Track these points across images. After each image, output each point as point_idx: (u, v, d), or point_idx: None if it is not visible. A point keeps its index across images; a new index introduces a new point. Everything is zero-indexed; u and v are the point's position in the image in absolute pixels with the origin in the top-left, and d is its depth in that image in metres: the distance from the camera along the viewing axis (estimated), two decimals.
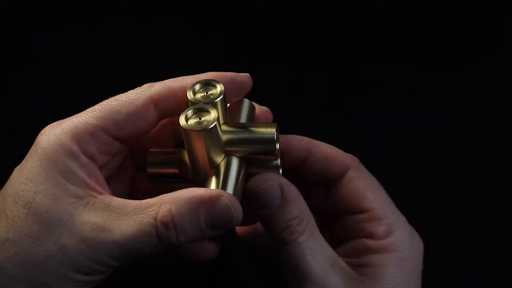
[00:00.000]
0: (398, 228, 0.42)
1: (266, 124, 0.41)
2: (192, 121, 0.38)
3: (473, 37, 0.64)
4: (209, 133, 0.38)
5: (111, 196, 0.38)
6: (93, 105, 0.40)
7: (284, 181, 0.41)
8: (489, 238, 0.53)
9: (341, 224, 0.44)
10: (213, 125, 0.37)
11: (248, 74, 0.42)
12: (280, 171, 0.42)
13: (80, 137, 0.38)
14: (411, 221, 0.44)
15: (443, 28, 0.65)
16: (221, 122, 0.40)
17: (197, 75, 0.41)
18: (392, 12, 0.66)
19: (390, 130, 0.59)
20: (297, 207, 0.41)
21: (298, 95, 0.62)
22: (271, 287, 0.51)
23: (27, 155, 0.39)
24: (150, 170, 0.43)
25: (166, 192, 0.38)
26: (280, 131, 0.42)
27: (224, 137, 0.40)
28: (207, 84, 0.40)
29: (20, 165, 0.39)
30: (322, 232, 0.42)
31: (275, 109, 0.45)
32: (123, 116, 0.39)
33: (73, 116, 0.40)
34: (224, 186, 0.39)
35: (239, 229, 0.49)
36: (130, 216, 0.37)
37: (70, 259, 0.36)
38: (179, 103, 0.40)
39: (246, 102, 0.43)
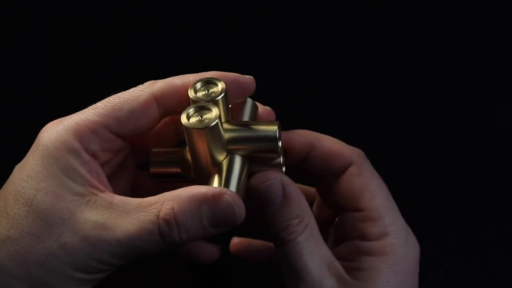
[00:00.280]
0: (393, 230, 0.41)
1: (268, 122, 0.41)
2: (193, 119, 0.38)
3: (473, 37, 0.64)
4: (211, 131, 0.38)
5: (112, 194, 0.38)
6: (94, 103, 0.40)
7: (286, 180, 0.41)
8: (489, 238, 0.53)
9: (341, 222, 0.44)
10: (214, 122, 0.37)
11: (252, 77, 0.42)
12: (283, 169, 0.42)
13: (82, 134, 0.38)
14: (411, 221, 0.43)
15: (443, 28, 0.65)
16: (222, 120, 0.40)
17: (199, 73, 0.41)
18: (392, 12, 0.66)
19: (390, 130, 0.59)
20: (298, 207, 0.41)
21: (298, 95, 0.62)
22: (270, 287, 0.51)
23: (28, 152, 0.39)
24: (152, 169, 0.43)
25: (168, 190, 0.38)
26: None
27: (226, 135, 0.40)
28: (208, 83, 0.40)
29: (21, 162, 0.39)
30: (323, 231, 0.42)
31: (275, 109, 0.45)
32: (125, 113, 0.39)
33: (75, 113, 0.40)
34: (227, 184, 0.39)
35: (232, 247, 0.49)
36: (132, 214, 0.37)
37: (72, 258, 0.36)
38: (181, 101, 0.40)
39: (249, 101, 0.43)
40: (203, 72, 0.41)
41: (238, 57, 0.64)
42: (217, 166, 0.40)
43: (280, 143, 0.40)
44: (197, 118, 0.38)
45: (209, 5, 0.67)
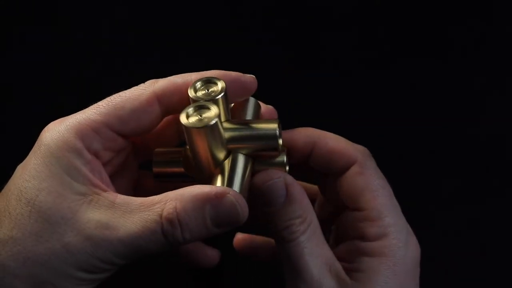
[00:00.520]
0: (393, 231, 0.41)
1: (268, 120, 0.41)
2: (193, 119, 0.38)
3: (475, 39, 0.64)
4: (210, 129, 0.38)
5: (115, 194, 0.38)
6: (96, 103, 0.40)
7: (290, 179, 0.41)
8: (489, 238, 0.53)
9: (341, 221, 0.44)
10: (214, 121, 0.37)
11: (254, 76, 0.42)
12: (287, 168, 0.42)
13: (84, 134, 0.38)
14: (411, 221, 0.43)
15: (443, 29, 0.65)
16: (222, 119, 0.40)
17: (201, 72, 0.41)
18: (393, 10, 0.66)
19: (390, 130, 0.59)
20: (301, 207, 0.41)
21: (298, 95, 0.62)
22: (272, 285, 0.51)
23: (30, 152, 0.39)
24: (155, 169, 0.43)
25: (170, 190, 0.38)
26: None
27: (226, 134, 0.40)
28: (208, 82, 0.40)
29: (23, 162, 0.39)
30: (327, 229, 0.42)
31: (276, 107, 0.45)
32: (127, 112, 0.39)
33: (77, 112, 0.40)
34: (230, 183, 0.39)
35: (236, 243, 0.49)
36: (135, 214, 0.37)
37: (74, 257, 0.36)
38: (183, 99, 0.40)
39: (252, 100, 0.43)
40: (205, 71, 0.41)
41: (238, 57, 0.64)
42: (220, 165, 0.40)
43: (280, 141, 0.40)
44: (197, 118, 0.38)
45: (209, 6, 0.67)
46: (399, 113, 0.60)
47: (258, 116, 0.43)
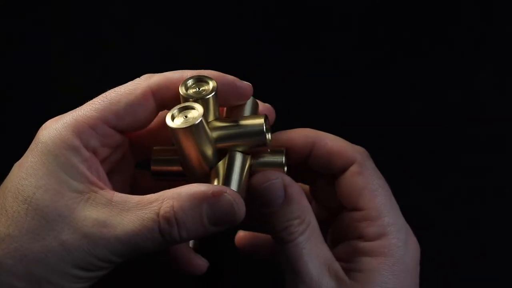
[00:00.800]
0: (393, 230, 0.41)
1: (255, 116, 0.41)
2: (178, 120, 0.38)
3: (476, 40, 0.64)
4: (195, 129, 0.38)
5: (112, 191, 0.38)
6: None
7: (288, 180, 0.41)
8: (489, 238, 0.53)
9: (340, 221, 0.44)
10: (198, 120, 0.37)
11: (250, 84, 0.42)
12: (285, 168, 0.42)
13: (81, 131, 0.38)
14: (411, 221, 0.43)
15: (443, 29, 0.65)
16: (212, 119, 0.40)
17: (197, 70, 0.41)
18: (393, 10, 0.66)
19: (390, 130, 0.59)
20: (299, 207, 0.41)
21: (298, 95, 0.62)
22: (272, 283, 0.51)
23: (27, 150, 0.39)
24: (154, 168, 0.43)
25: (167, 189, 0.38)
26: (280, 130, 0.42)
27: (215, 133, 0.40)
28: (200, 80, 0.40)
29: (20, 160, 0.39)
30: (326, 229, 0.42)
31: (274, 109, 0.45)
32: (123, 106, 0.39)
33: (74, 110, 0.40)
34: (227, 182, 0.39)
35: (237, 241, 0.49)
36: (132, 212, 0.37)
37: (71, 255, 0.36)
38: (178, 94, 0.40)
39: (250, 99, 0.43)
40: (201, 70, 0.41)
41: (238, 57, 0.64)
42: (213, 164, 0.40)
43: (268, 136, 0.40)
44: (182, 119, 0.38)
45: (209, 7, 0.67)
46: (399, 113, 0.60)
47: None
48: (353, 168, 0.42)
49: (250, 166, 0.41)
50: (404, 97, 0.61)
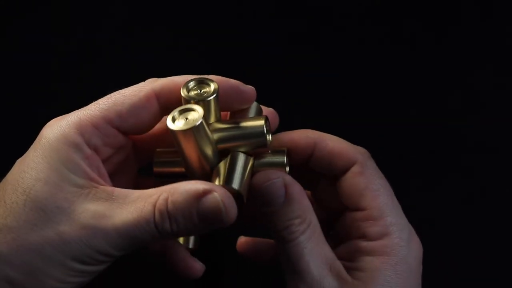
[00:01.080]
0: (395, 230, 0.41)
1: (255, 118, 0.41)
2: (179, 122, 0.38)
3: (475, 40, 0.64)
4: (196, 130, 0.38)
5: (113, 187, 0.38)
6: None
7: (289, 179, 0.41)
8: (490, 238, 0.53)
9: (342, 221, 0.44)
10: (199, 122, 0.37)
11: (253, 87, 0.42)
12: (287, 169, 0.42)
13: (84, 129, 0.39)
14: (411, 221, 0.43)
15: (443, 29, 0.65)
16: (213, 120, 0.41)
17: (201, 75, 0.41)
18: (393, 10, 0.66)
19: (390, 130, 0.59)
20: (300, 207, 0.41)
21: (298, 95, 0.62)
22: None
23: (31, 146, 0.39)
24: (156, 169, 0.43)
25: None
26: (280, 131, 0.42)
27: (216, 135, 0.40)
28: (201, 82, 0.40)
29: (22, 156, 0.39)
30: (327, 229, 0.42)
31: (275, 109, 0.45)
32: (126, 107, 0.40)
33: (78, 109, 0.40)
34: (229, 181, 0.39)
35: (239, 246, 0.49)
36: (132, 205, 0.37)
37: (69, 246, 0.36)
38: (181, 97, 0.40)
39: (253, 104, 0.43)
40: (206, 75, 0.41)
41: (239, 57, 0.64)
42: (215, 165, 0.40)
43: (269, 137, 0.41)
44: (183, 121, 0.38)
45: (209, 8, 0.67)
46: (399, 113, 0.60)
47: None
48: (354, 169, 0.42)
49: (252, 166, 0.41)
50: (404, 97, 0.61)
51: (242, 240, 0.49)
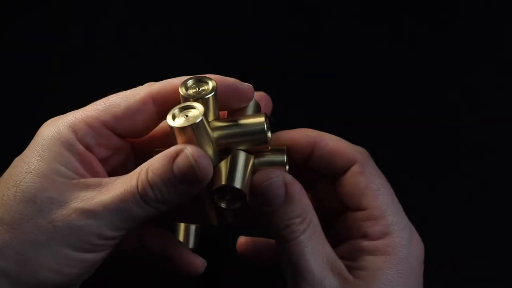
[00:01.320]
0: (396, 229, 0.41)
1: (255, 115, 0.41)
2: (179, 119, 0.38)
3: (475, 39, 0.64)
4: (196, 127, 0.38)
5: (102, 178, 0.39)
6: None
7: (289, 178, 0.41)
8: (490, 238, 0.53)
9: (343, 221, 0.44)
10: (199, 119, 0.37)
11: (251, 85, 0.42)
12: (287, 167, 0.42)
13: (78, 127, 0.39)
14: (411, 221, 0.43)
15: (443, 29, 0.65)
16: (212, 118, 0.41)
17: (198, 75, 0.41)
18: (393, 10, 0.66)
19: (390, 130, 0.59)
20: (301, 206, 0.40)
21: (298, 95, 0.62)
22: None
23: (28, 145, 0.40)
24: None
25: None
26: (280, 131, 0.42)
27: (216, 133, 0.40)
28: (200, 81, 0.40)
29: (20, 155, 0.40)
30: (328, 229, 0.42)
31: (275, 109, 0.45)
32: (121, 110, 0.40)
33: (76, 110, 0.41)
34: (231, 179, 0.39)
35: (239, 246, 0.49)
36: (119, 183, 0.38)
37: (61, 233, 0.36)
38: (179, 100, 0.40)
39: (252, 101, 0.43)
40: (203, 75, 0.41)
41: (238, 57, 0.64)
42: (216, 163, 0.40)
43: (269, 134, 0.40)
44: (183, 118, 0.38)
45: (208, 8, 0.67)
46: (399, 113, 0.60)
47: None
48: (354, 168, 0.42)
49: (253, 164, 0.41)
50: (404, 97, 0.61)
51: (242, 240, 0.49)
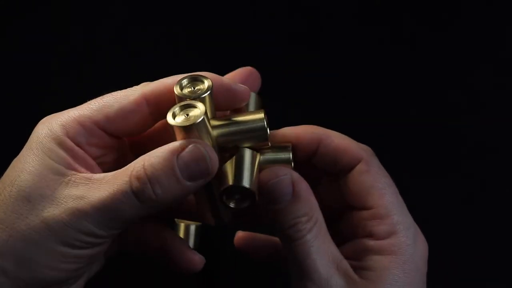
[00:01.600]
0: (402, 229, 0.41)
1: (254, 112, 0.40)
2: (179, 118, 0.38)
3: (475, 39, 0.64)
4: (197, 127, 0.37)
5: (92, 174, 0.39)
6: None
7: (296, 176, 0.40)
8: (490, 238, 0.53)
9: (347, 220, 0.43)
10: (201, 118, 0.37)
11: (247, 87, 0.41)
12: (292, 165, 0.41)
13: (70, 126, 0.39)
14: None
15: (443, 29, 0.65)
16: (209, 117, 0.40)
17: (192, 73, 0.41)
18: (393, 10, 0.66)
19: (390, 130, 0.59)
20: (308, 205, 0.40)
21: (298, 95, 0.62)
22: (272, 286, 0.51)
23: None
24: None
25: None
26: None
27: (215, 131, 0.40)
28: (195, 80, 0.40)
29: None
30: (329, 227, 0.42)
31: (275, 109, 0.45)
32: (114, 110, 0.40)
33: (71, 108, 0.41)
34: (239, 179, 0.38)
35: (236, 241, 0.49)
36: (108, 182, 0.37)
37: (54, 231, 0.37)
38: (173, 100, 0.40)
39: (252, 95, 0.43)
40: (197, 72, 0.41)
41: (238, 57, 0.64)
42: (228, 161, 0.40)
43: (268, 131, 0.40)
44: (183, 117, 0.38)
45: (208, 9, 0.67)
46: (399, 113, 0.60)
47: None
48: (360, 167, 0.42)
49: (259, 162, 0.40)
50: (404, 97, 0.61)
51: (239, 235, 0.49)
